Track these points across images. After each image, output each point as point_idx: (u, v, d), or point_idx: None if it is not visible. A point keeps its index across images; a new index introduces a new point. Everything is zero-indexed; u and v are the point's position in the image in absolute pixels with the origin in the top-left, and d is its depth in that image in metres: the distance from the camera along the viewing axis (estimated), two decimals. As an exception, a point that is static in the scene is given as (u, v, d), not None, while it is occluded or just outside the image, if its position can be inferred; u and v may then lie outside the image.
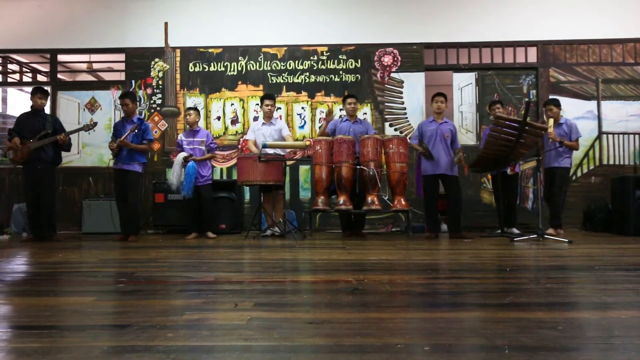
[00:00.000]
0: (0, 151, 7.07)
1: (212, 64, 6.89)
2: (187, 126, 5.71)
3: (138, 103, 6.60)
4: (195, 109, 5.70)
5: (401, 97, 6.77)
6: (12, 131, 5.30)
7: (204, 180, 5.50)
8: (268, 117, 5.69)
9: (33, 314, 1.81)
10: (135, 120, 5.30)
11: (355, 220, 5.69)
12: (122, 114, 6.93)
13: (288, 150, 5.64)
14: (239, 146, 6.80)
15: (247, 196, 6.72)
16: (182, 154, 5.43)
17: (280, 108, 6.72)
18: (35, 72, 7.77)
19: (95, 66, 7.91)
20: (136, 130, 5.16)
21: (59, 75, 7.43)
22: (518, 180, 5.82)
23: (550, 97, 6.14)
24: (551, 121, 5.48)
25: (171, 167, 6.66)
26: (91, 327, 1.61)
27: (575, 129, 5.56)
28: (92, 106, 6.94)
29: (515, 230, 5.47)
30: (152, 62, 6.91)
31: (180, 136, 5.73)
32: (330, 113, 5.84)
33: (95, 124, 5.48)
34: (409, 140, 5.57)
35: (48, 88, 6.45)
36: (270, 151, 5.37)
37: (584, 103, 6.67)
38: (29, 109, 5.37)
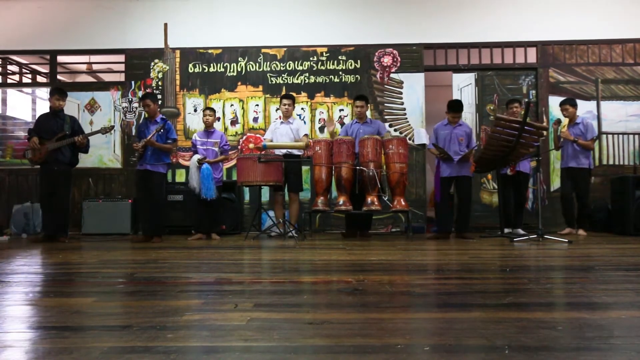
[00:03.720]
0: (0, 152, 7.07)
1: (211, 64, 6.89)
2: (202, 126, 5.69)
3: (157, 103, 6.58)
4: (212, 109, 5.71)
5: (401, 98, 6.77)
6: (31, 131, 5.32)
7: (215, 182, 5.47)
8: (286, 116, 5.69)
9: (33, 315, 1.81)
10: (159, 120, 5.30)
11: (362, 221, 5.69)
12: (121, 116, 6.96)
13: (303, 150, 5.63)
14: (239, 147, 6.80)
15: (247, 197, 6.72)
16: (197, 156, 5.42)
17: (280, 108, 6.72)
18: (35, 73, 7.77)
19: (95, 67, 7.91)
20: (161, 130, 5.17)
21: (59, 76, 7.43)
22: (527, 180, 5.83)
23: (564, 98, 6.08)
24: (566, 121, 5.51)
25: (170, 168, 6.72)
26: (91, 327, 1.61)
27: (591, 129, 5.58)
28: (91, 107, 6.95)
29: (521, 231, 5.47)
30: (152, 63, 6.92)
31: (195, 136, 5.73)
32: (330, 123, 5.87)
33: (113, 127, 5.51)
34: (420, 144, 5.60)
35: (48, 89, 6.45)
36: (283, 151, 5.40)
37: (584, 103, 6.67)
38: (48, 110, 5.40)
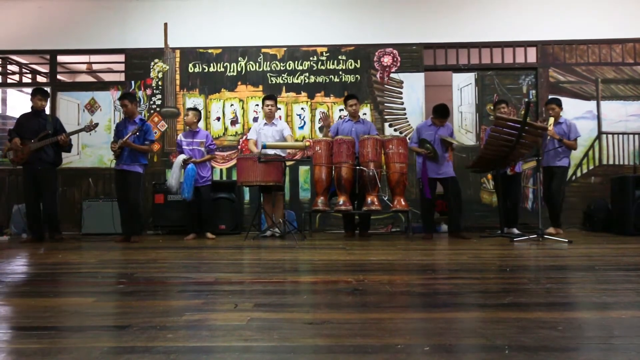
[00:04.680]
0: (0, 152, 7.07)
1: (211, 64, 6.89)
2: (187, 127, 5.71)
3: (138, 103, 6.60)
4: (194, 109, 5.69)
5: (401, 98, 6.77)
6: (12, 132, 5.28)
7: (204, 181, 5.50)
8: (269, 117, 5.69)
9: (33, 315, 1.81)
10: (137, 120, 5.30)
11: (361, 222, 5.69)
12: (122, 115, 6.96)
13: (288, 150, 5.66)
14: (239, 147, 6.80)
15: (247, 197, 6.72)
16: (182, 156, 5.42)
17: (280, 108, 6.72)
18: (34, 73, 7.77)
19: (95, 67, 7.91)
20: (138, 132, 5.16)
21: (59, 76, 7.43)
22: (520, 180, 5.83)
23: (551, 96, 6.13)
24: (551, 120, 5.52)
25: (171, 169, 6.72)
26: (91, 327, 1.61)
27: (574, 129, 5.59)
28: (91, 107, 6.95)
29: (516, 231, 5.47)
30: (152, 63, 6.92)
31: (180, 137, 5.73)
32: (326, 118, 5.88)
33: (96, 124, 5.46)
34: (408, 141, 5.60)
35: (48, 89, 6.45)
36: (270, 152, 5.38)
37: (584, 103, 6.67)
38: (29, 110, 5.37)
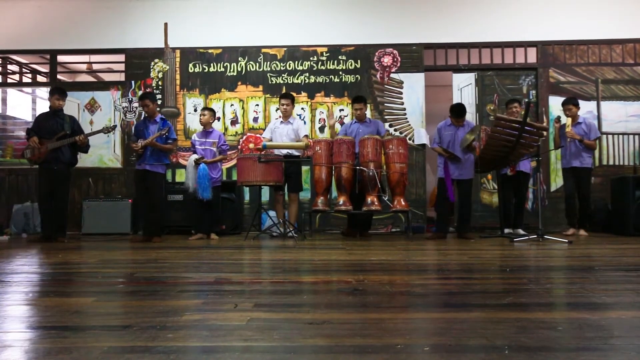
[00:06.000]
0: (0, 152, 7.07)
1: (211, 64, 6.89)
2: (201, 127, 5.71)
3: (156, 103, 6.59)
4: (210, 109, 5.70)
5: (401, 98, 6.77)
6: (30, 131, 5.29)
7: (213, 182, 5.48)
8: (285, 116, 5.69)
9: (33, 315, 1.81)
10: (158, 120, 5.32)
11: (362, 221, 5.69)
12: (121, 115, 6.96)
13: (302, 150, 5.64)
14: (239, 147, 6.80)
15: (247, 197, 6.72)
16: (194, 157, 5.42)
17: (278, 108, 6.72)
18: (35, 72, 7.77)
19: (95, 67, 7.91)
20: (166, 133, 5.17)
21: (59, 76, 7.43)
22: (527, 180, 5.83)
23: (565, 97, 6.09)
24: (569, 120, 5.52)
25: (171, 168, 6.72)
26: (91, 327, 1.61)
27: (594, 129, 5.62)
28: (91, 107, 6.95)
29: (521, 231, 5.47)
30: (152, 63, 6.92)
31: (194, 136, 5.73)
32: (330, 116, 5.87)
33: (115, 126, 5.48)
34: (420, 144, 5.62)
35: (47, 89, 6.45)
36: (284, 151, 5.40)
37: (584, 103, 6.65)
38: (48, 110, 5.38)
